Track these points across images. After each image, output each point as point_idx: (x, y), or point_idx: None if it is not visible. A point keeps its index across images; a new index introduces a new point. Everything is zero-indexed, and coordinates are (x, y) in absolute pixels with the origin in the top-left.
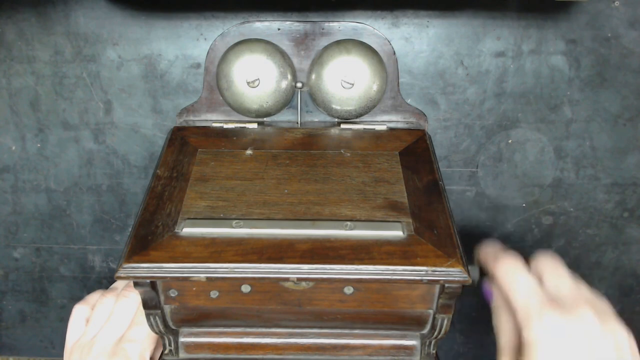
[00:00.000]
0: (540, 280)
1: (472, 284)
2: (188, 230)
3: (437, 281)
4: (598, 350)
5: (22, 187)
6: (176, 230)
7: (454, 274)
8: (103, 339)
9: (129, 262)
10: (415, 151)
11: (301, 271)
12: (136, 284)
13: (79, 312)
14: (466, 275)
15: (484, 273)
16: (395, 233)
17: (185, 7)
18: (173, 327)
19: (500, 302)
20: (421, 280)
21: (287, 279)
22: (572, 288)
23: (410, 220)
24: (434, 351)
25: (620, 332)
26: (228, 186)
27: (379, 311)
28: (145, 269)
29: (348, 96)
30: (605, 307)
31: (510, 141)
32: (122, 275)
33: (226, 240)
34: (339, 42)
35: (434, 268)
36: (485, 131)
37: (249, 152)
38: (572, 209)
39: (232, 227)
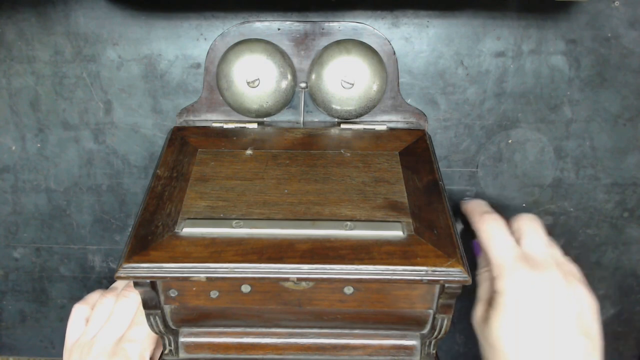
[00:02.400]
0: (518, 240)
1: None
2: (188, 230)
3: (437, 281)
4: (560, 308)
5: (22, 187)
6: (176, 230)
7: (454, 274)
8: (103, 338)
9: (129, 262)
10: (415, 151)
11: (301, 271)
12: (136, 284)
13: (79, 312)
14: (466, 275)
15: (470, 228)
16: (395, 233)
17: (185, 7)
18: (173, 327)
19: (484, 257)
20: (421, 280)
21: (287, 279)
22: (546, 250)
23: (410, 220)
24: (434, 351)
25: (585, 297)
26: (228, 186)
27: (379, 311)
28: (145, 269)
29: (348, 96)
30: (574, 272)
31: (510, 141)
32: (122, 275)
33: (226, 240)
34: (339, 42)
35: (434, 268)
36: (485, 131)
37: (249, 152)
38: (572, 209)
39: (232, 227)
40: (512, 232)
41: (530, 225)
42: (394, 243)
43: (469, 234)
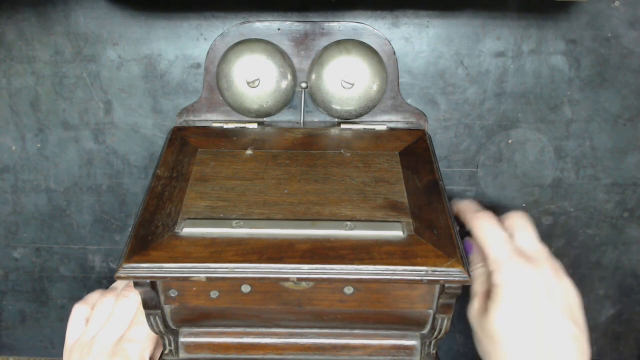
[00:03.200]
0: (510, 235)
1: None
2: (188, 230)
3: (437, 281)
4: (552, 299)
5: (22, 187)
6: (176, 230)
7: (454, 274)
8: (103, 338)
9: (129, 262)
10: (415, 151)
11: (301, 271)
12: (136, 284)
13: (79, 312)
14: (466, 275)
15: (463, 227)
16: (395, 233)
17: (185, 7)
18: (173, 327)
19: (476, 254)
20: (421, 280)
21: (287, 279)
22: (537, 246)
23: (410, 220)
24: (434, 351)
25: (571, 288)
26: (228, 186)
27: (379, 311)
28: (145, 269)
29: (348, 96)
30: (560, 267)
31: (510, 141)
32: (122, 275)
33: (226, 240)
34: (339, 42)
35: (434, 268)
36: (485, 131)
37: (249, 152)
38: (572, 209)
39: (232, 227)
40: (504, 229)
41: (521, 222)
42: (394, 243)
43: (461, 233)
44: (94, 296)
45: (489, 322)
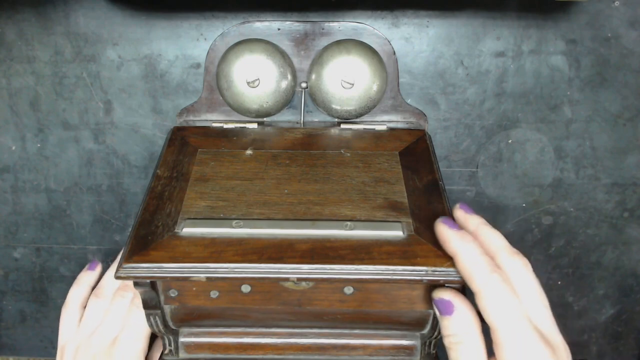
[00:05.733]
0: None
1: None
2: (188, 230)
3: (437, 281)
4: None
5: (22, 187)
6: (176, 230)
7: (454, 274)
8: (99, 338)
9: (129, 262)
10: (415, 151)
11: (301, 271)
12: (136, 284)
13: (71, 311)
14: None
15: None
16: (395, 233)
17: (185, 7)
18: (173, 327)
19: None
20: (421, 280)
21: (287, 279)
22: (554, 330)
23: (410, 220)
24: (434, 351)
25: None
26: (228, 186)
27: (379, 311)
28: (145, 269)
29: (348, 96)
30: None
31: (510, 141)
32: (122, 275)
33: (226, 240)
34: (339, 42)
35: (434, 268)
36: (485, 131)
37: (249, 152)
38: (572, 209)
39: (232, 227)
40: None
41: (527, 278)
42: (394, 243)
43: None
44: (86, 278)
45: None
